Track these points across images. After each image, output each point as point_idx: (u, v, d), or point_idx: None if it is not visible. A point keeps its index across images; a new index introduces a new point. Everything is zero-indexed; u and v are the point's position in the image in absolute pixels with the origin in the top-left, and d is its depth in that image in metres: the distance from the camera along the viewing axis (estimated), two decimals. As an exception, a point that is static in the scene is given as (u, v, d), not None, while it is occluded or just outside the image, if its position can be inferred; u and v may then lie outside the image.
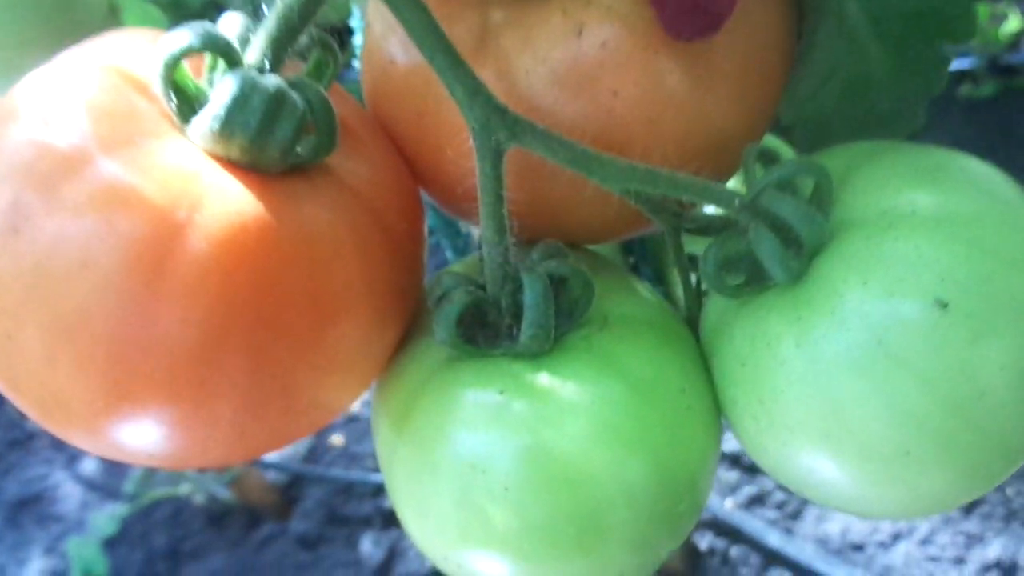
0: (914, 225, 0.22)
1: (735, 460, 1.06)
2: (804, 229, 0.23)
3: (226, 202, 0.21)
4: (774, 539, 0.92)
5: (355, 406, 1.35)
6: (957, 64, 1.13)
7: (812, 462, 0.23)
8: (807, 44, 0.26)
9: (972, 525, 0.97)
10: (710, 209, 0.28)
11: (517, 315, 0.24)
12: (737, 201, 0.24)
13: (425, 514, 0.24)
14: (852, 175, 0.24)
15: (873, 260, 0.22)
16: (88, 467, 1.44)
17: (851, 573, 0.89)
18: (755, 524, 0.95)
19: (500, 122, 0.22)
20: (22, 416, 1.57)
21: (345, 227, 0.23)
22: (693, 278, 0.28)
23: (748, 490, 1.02)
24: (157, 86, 0.22)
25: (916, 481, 0.22)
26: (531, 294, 0.24)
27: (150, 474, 1.21)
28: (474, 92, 0.22)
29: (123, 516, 1.10)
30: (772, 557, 0.94)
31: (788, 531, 0.97)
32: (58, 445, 1.50)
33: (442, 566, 0.25)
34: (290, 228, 0.21)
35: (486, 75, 0.23)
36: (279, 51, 0.21)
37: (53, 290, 0.20)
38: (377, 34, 0.26)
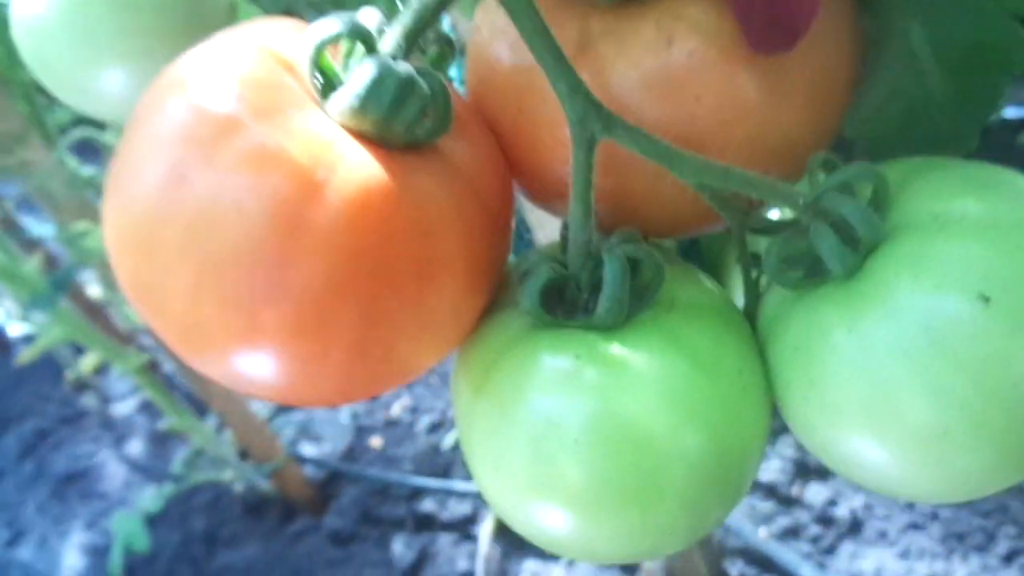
0: (963, 228, 0.24)
1: (771, 490, 1.07)
2: (862, 228, 0.25)
3: (357, 168, 0.24)
4: (807, 572, 0.93)
5: (395, 411, 1.38)
6: (1015, 113, 1.14)
7: (857, 441, 0.25)
8: (873, 65, 0.29)
9: (1013, 574, 0.96)
10: (773, 214, 0.31)
11: (594, 291, 0.27)
12: (801, 200, 0.26)
13: (500, 466, 0.27)
14: (908, 184, 0.27)
15: (924, 258, 0.24)
16: (134, 448, 1.49)
17: (881, 609, 0.89)
18: (788, 556, 0.96)
19: (596, 116, 0.25)
20: (75, 393, 1.62)
21: (451, 201, 0.26)
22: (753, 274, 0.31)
23: (782, 521, 1.02)
24: (303, 65, 0.25)
25: (954, 461, 0.24)
26: (610, 271, 0.26)
27: (195, 458, 1.25)
28: (575, 88, 0.25)
29: (168, 495, 1.14)
30: (802, 588, 0.94)
31: (821, 566, 0.98)
32: (107, 424, 1.55)
33: (509, 517, 0.28)
34: (407, 197, 0.25)
35: (584, 76, 0.26)
36: (411, 42, 0.25)
37: (209, 232, 0.23)
38: (485, 36, 0.29)
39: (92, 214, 0.93)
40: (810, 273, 0.27)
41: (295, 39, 0.26)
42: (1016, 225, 0.24)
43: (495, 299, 0.30)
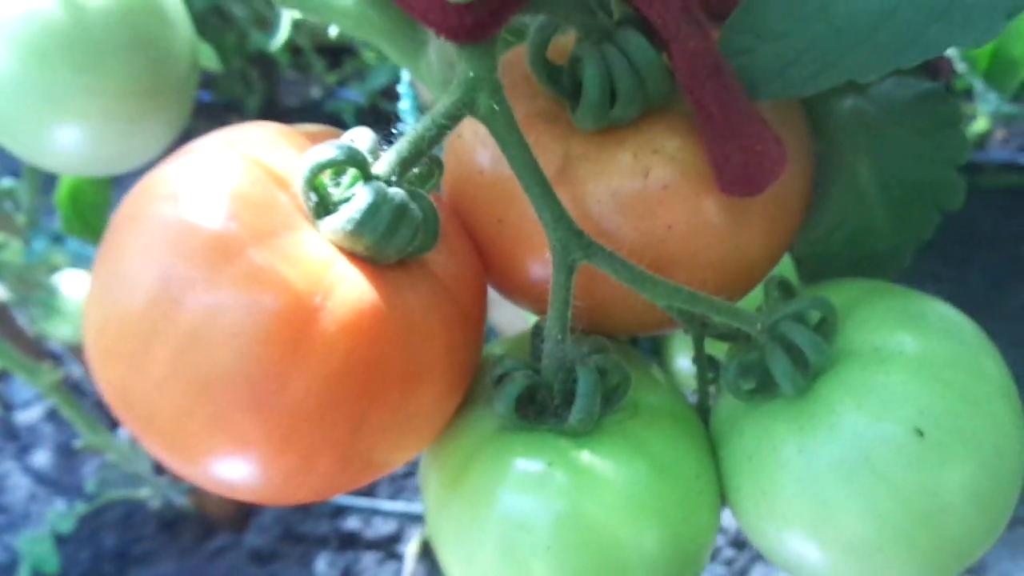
0: (901, 363, 0.27)
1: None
2: (812, 354, 0.28)
3: (352, 291, 0.25)
4: (719, 594, 0.97)
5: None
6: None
7: (801, 548, 0.28)
8: (822, 196, 0.31)
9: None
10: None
11: (565, 398, 0.29)
12: (759, 324, 0.29)
13: (471, 564, 0.28)
14: (852, 311, 0.29)
15: (866, 388, 0.27)
16: (40, 459, 1.43)
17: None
18: (701, 579, 1.00)
19: (577, 244, 0.27)
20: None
21: (436, 314, 0.27)
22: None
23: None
24: (297, 185, 0.26)
25: (882, 572, 0.27)
26: (584, 385, 0.28)
27: (109, 474, 1.21)
28: (559, 218, 0.27)
29: (80, 514, 1.10)
30: (716, 611, 0.99)
31: (733, 587, 1.03)
32: (10, 433, 1.48)
33: None
34: (396, 314, 0.26)
35: (563, 196, 0.27)
36: (405, 168, 0.26)
37: (204, 353, 0.24)
38: (467, 143, 0.31)
39: (10, 227, 0.90)
40: (762, 387, 0.30)
41: (285, 151, 0.27)
42: (946, 362, 0.27)
43: (467, 392, 0.31)
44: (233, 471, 0.25)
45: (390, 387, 0.26)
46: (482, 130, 0.30)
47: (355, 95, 1.56)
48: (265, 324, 0.24)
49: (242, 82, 1.61)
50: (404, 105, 0.50)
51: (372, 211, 0.25)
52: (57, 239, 0.97)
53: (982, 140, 1.50)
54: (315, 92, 1.72)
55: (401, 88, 0.50)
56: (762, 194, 0.29)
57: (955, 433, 0.26)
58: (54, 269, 0.99)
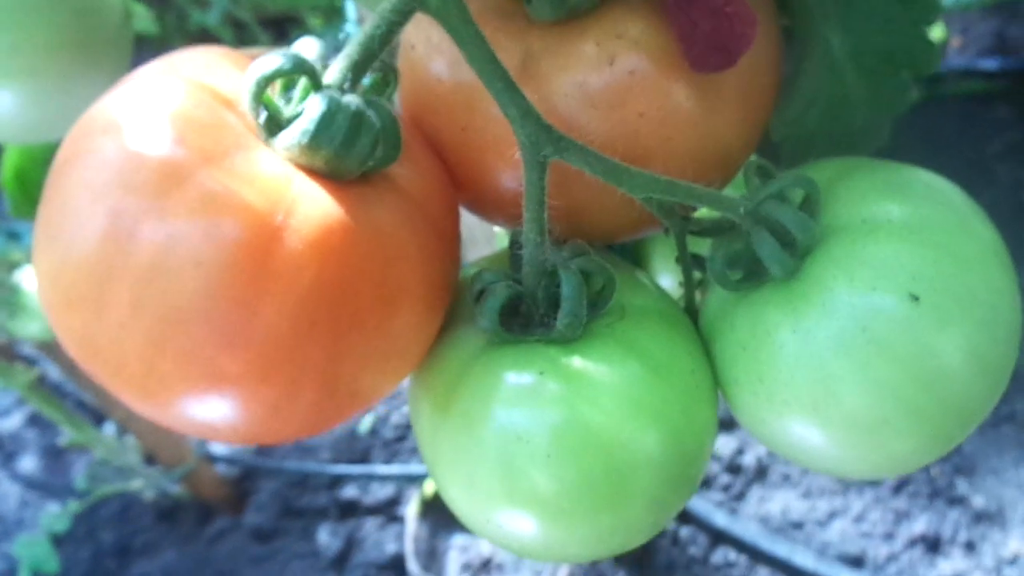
0: (890, 232, 0.26)
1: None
2: (799, 233, 0.27)
3: (315, 207, 0.23)
4: (720, 520, 0.98)
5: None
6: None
7: (803, 431, 0.27)
8: (795, 73, 0.30)
9: (900, 503, 1.05)
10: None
11: (550, 306, 0.28)
12: (742, 208, 0.28)
13: (471, 482, 0.28)
14: (835, 187, 0.28)
15: (857, 261, 0.26)
16: (27, 465, 1.41)
17: (792, 549, 0.96)
18: (702, 506, 1.01)
19: (547, 139, 0.25)
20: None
21: (406, 228, 0.26)
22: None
23: (694, 474, 1.08)
24: (244, 102, 0.24)
25: (891, 445, 0.26)
26: (568, 288, 0.27)
27: (99, 470, 1.19)
28: (525, 112, 0.25)
29: (74, 513, 1.09)
30: (719, 537, 1.00)
31: (733, 512, 1.04)
32: (-7, 444, 1.46)
33: (483, 530, 0.29)
34: (365, 229, 0.24)
35: (529, 95, 0.26)
36: (358, 74, 0.24)
37: (165, 285, 0.22)
38: (421, 54, 0.29)
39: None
40: (750, 275, 0.29)
41: (228, 72, 0.25)
42: (935, 226, 0.26)
43: (449, 315, 0.30)
44: (213, 410, 0.24)
45: (366, 305, 0.25)
46: (436, 37, 0.28)
47: (305, 65, 1.52)
48: (226, 248, 0.22)
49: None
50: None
51: (327, 120, 0.23)
52: (12, 235, 0.94)
53: (940, 49, 1.50)
54: (264, 66, 1.68)
55: (349, 30, 0.48)
56: (735, 75, 0.28)
57: (950, 294, 0.25)
58: (14, 266, 0.96)
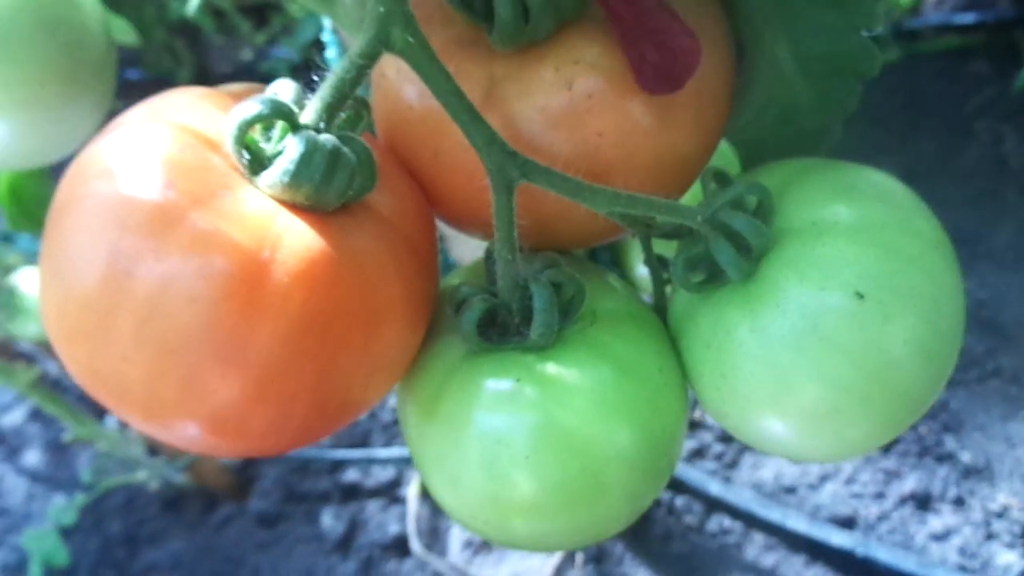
0: (837, 233, 0.28)
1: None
2: (753, 238, 0.29)
3: (299, 240, 0.25)
4: (715, 488, 1.01)
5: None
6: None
7: (764, 422, 0.29)
8: (746, 81, 0.32)
9: (890, 463, 1.08)
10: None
11: (525, 316, 0.30)
12: (699, 217, 0.30)
13: (456, 484, 0.30)
14: (787, 191, 0.30)
15: (807, 262, 0.28)
16: (32, 459, 1.43)
17: (785, 514, 0.98)
18: (696, 475, 1.04)
19: (512, 163, 0.27)
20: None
21: (386, 251, 0.28)
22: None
23: (689, 444, 1.10)
24: (228, 145, 0.26)
25: (844, 432, 0.29)
26: (540, 300, 0.29)
27: (104, 463, 1.22)
28: (490, 140, 0.27)
29: (81, 505, 1.11)
30: (713, 504, 1.03)
31: (727, 479, 1.06)
32: (-3, 440, 1.48)
33: (471, 526, 0.31)
34: (346, 257, 0.26)
35: (493, 121, 0.28)
36: (332, 114, 0.26)
37: (163, 320, 0.24)
38: (392, 81, 0.31)
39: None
40: (711, 276, 0.31)
41: (210, 113, 0.27)
42: (880, 226, 0.28)
43: (431, 325, 0.32)
44: (212, 431, 0.26)
45: (352, 327, 0.26)
46: (404, 66, 0.30)
47: (286, 52, 1.53)
48: (218, 284, 0.24)
49: (169, 54, 1.56)
50: (330, 53, 0.50)
51: (306, 160, 0.25)
52: (7, 238, 0.95)
53: (917, 5, 1.50)
54: (246, 55, 1.68)
55: (325, 37, 0.49)
56: (689, 91, 0.29)
57: (893, 291, 0.27)
58: (10, 269, 0.97)
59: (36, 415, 1.48)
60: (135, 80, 1.55)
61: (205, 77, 1.60)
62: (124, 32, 0.58)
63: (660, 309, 0.34)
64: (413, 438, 0.32)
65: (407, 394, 0.32)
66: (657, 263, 0.33)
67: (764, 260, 0.29)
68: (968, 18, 1.44)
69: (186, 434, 0.26)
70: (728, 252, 0.29)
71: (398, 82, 0.30)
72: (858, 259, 0.28)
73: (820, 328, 0.27)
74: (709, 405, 0.31)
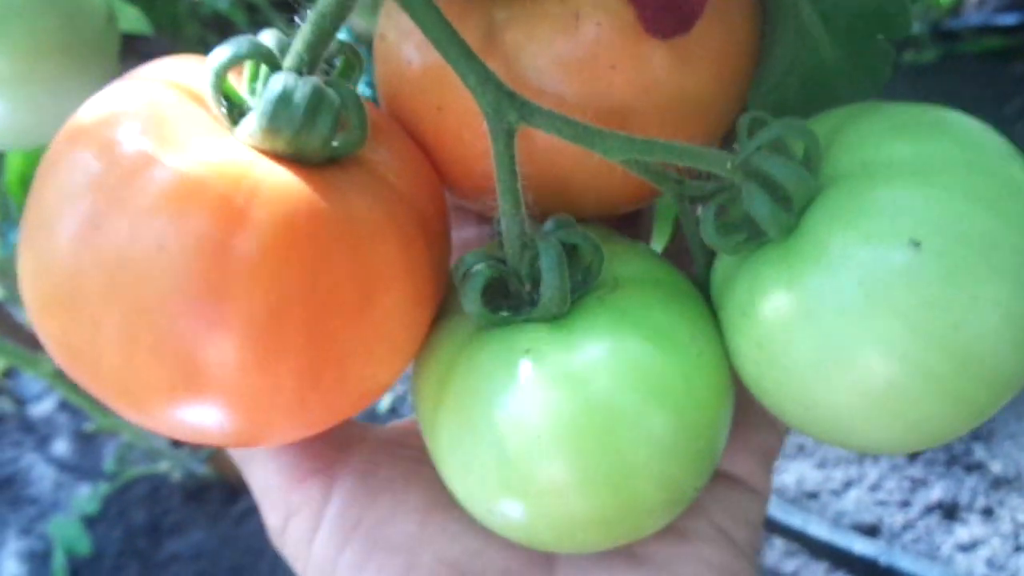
0: (891, 175, 0.24)
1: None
2: (792, 185, 0.25)
3: (279, 188, 0.23)
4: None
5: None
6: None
7: (809, 400, 0.25)
8: (769, 42, 0.28)
9: (917, 471, 1.03)
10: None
11: (536, 282, 0.27)
12: (729, 163, 0.26)
13: (468, 471, 0.26)
14: (838, 134, 0.26)
15: (854, 209, 0.24)
16: (60, 448, 1.44)
17: (806, 519, 0.95)
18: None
19: (510, 105, 0.24)
20: (-14, 403, 1.53)
21: (381, 210, 0.25)
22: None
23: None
24: (208, 95, 0.23)
25: (906, 414, 0.24)
26: (547, 260, 0.26)
27: (128, 453, 1.21)
28: (485, 79, 0.24)
29: (104, 495, 1.11)
30: (734, 509, 0.99)
31: (748, 485, 1.03)
32: (27, 427, 1.48)
33: (485, 518, 0.27)
34: (335, 211, 0.23)
35: (495, 66, 0.25)
36: (314, 55, 0.23)
37: (132, 277, 0.22)
38: (392, 41, 0.28)
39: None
40: (751, 235, 0.27)
41: (202, 72, 0.25)
42: (945, 165, 0.24)
43: (443, 305, 0.29)
44: (195, 408, 0.23)
45: (343, 290, 0.24)
46: (404, 23, 0.27)
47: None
48: (189, 232, 0.22)
49: (202, 48, 1.55)
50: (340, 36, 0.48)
51: (283, 100, 0.22)
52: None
53: (957, 6, 1.43)
54: (277, 48, 1.66)
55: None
56: (707, 33, 0.26)
57: (960, 239, 0.23)
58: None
59: (64, 405, 1.49)
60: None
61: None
62: (138, 22, 0.56)
63: (703, 281, 0.30)
64: (425, 425, 0.28)
65: (418, 378, 0.29)
66: (696, 228, 0.29)
67: (807, 212, 0.25)
68: (1010, 19, 1.36)
69: (167, 412, 0.24)
70: (764, 203, 0.25)
71: (397, 42, 0.28)
72: (914, 202, 0.23)
73: (867, 285, 0.23)
74: (748, 381, 0.27)
